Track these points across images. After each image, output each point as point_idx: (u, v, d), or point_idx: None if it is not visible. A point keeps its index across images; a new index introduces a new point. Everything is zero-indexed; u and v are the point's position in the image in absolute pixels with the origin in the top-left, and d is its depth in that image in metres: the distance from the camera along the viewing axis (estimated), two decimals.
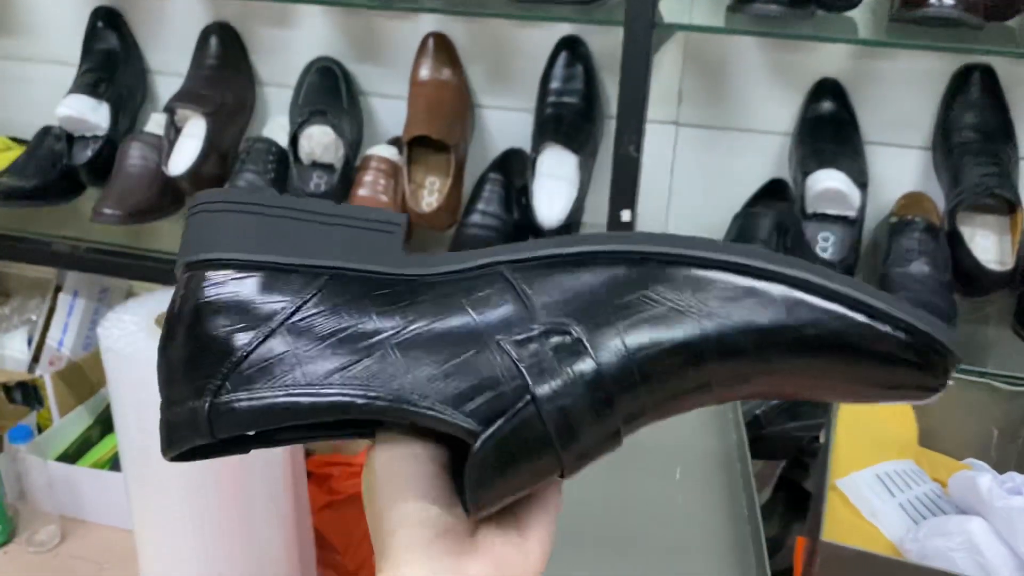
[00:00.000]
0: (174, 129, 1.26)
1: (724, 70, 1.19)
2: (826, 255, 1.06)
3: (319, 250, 0.36)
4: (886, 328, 0.34)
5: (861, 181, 1.08)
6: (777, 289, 0.35)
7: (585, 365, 0.34)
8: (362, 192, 1.22)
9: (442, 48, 1.24)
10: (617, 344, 0.34)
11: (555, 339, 0.34)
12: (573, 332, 0.34)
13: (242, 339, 0.35)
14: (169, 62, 1.37)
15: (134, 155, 1.27)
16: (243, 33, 1.33)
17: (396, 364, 0.34)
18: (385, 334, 0.35)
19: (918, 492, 0.82)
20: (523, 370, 0.34)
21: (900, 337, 0.34)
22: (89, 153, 1.30)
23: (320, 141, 1.22)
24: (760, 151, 1.21)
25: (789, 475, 1.21)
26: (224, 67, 1.31)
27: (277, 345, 0.35)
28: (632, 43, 0.98)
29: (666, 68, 1.19)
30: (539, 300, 0.35)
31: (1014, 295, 1.06)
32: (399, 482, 0.35)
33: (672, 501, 0.74)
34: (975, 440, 0.92)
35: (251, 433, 0.36)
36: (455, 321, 0.35)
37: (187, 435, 0.35)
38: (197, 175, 1.23)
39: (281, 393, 0.34)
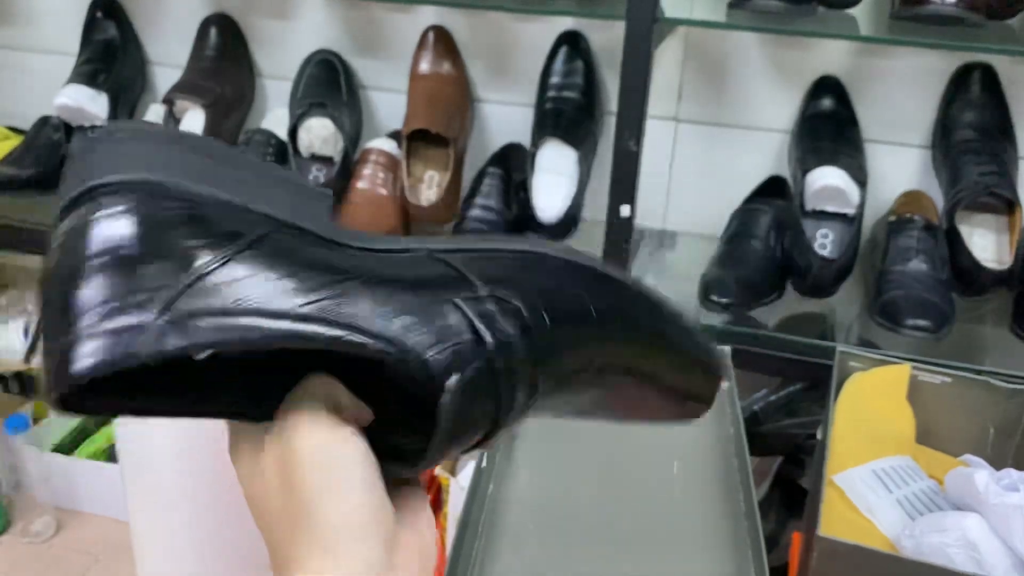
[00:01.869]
0: (173, 120, 1.26)
1: (725, 66, 1.19)
2: (824, 252, 1.06)
3: (265, 202, 0.35)
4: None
5: (860, 179, 1.08)
6: None
7: (526, 332, 0.36)
8: (361, 185, 1.22)
9: (442, 41, 1.24)
10: (544, 319, 0.37)
11: (501, 304, 0.36)
12: (512, 301, 0.36)
13: (203, 257, 0.32)
14: (168, 53, 1.37)
15: None
16: (243, 25, 1.33)
17: (364, 300, 0.33)
18: (348, 273, 0.34)
19: (915, 488, 0.82)
20: (479, 328, 0.34)
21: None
22: None
23: (319, 134, 1.22)
24: (760, 148, 1.21)
25: (785, 472, 1.21)
26: (223, 59, 1.30)
27: (238, 270, 0.32)
28: (633, 38, 0.98)
29: (666, 64, 1.19)
30: (473, 274, 0.37)
31: (1012, 294, 1.07)
32: (339, 466, 0.33)
33: (669, 495, 0.74)
34: (972, 438, 0.92)
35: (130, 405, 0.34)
36: (408, 277, 0.36)
37: (118, 356, 0.30)
38: None
39: (244, 319, 0.32)
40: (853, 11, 1.02)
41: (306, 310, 0.32)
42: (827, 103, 1.15)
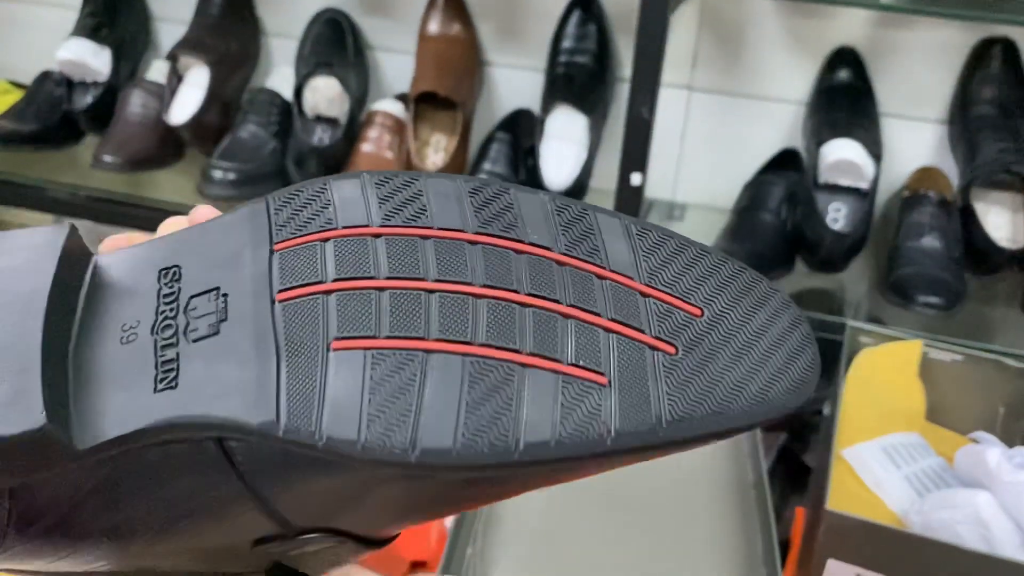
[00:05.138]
0: (176, 77, 1.23)
1: (741, 35, 1.16)
2: (837, 226, 1.04)
3: None
4: None
5: (875, 153, 1.06)
6: None
7: None
8: (366, 148, 1.20)
9: (452, 2, 1.21)
10: None
11: None
12: None
13: None
14: (173, 9, 1.34)
15: (135, 103, 1.25)
16: None
17: None
18: None
19: (923, 465, 0.81)
20: None
21: None
22: (89, 99, 1.28)
23: (325, 94, 1.20)
24: (774, 119, 1.19)
25: (789, 448, 1.20)
26: (229, 16, 1.28)
27: None
28: (649, 2, 0.96)
29: (681, 31, 1.17)
30: None
31: None
32: None
33: (676, 465, 0.73)
34: (981, 417, 0.91)
35: None
36: None
37: None
38: (198, 125, 1.21)
39: None
40: None
41: None
42: (844, 75, 1.13)
